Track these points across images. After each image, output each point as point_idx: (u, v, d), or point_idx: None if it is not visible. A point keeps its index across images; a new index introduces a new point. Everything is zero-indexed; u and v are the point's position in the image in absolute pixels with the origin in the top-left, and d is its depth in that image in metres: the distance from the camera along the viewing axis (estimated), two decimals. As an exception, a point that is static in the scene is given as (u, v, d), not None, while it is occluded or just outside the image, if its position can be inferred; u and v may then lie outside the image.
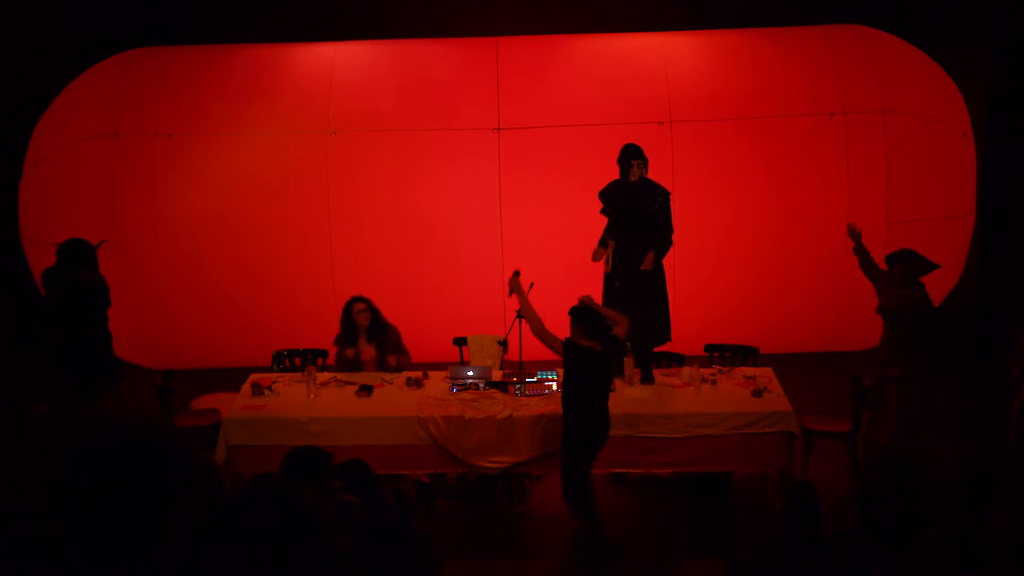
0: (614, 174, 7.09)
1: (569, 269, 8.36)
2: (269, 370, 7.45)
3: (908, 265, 6.77)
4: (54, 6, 9.50)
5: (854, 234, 7.08)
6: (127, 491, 1.72)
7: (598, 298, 7.17)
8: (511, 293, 6.45)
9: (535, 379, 6.95)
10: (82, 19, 9.61)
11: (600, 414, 6.06)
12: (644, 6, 9.53)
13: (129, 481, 1.72)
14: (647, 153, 7.02)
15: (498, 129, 8.45)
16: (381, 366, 7.29)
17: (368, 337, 7.30)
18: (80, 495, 1.70)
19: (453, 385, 6.93)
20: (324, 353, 7.60)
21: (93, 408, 7.29)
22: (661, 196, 6.96)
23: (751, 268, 8.47)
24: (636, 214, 6.92)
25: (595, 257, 7.03)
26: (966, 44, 8.99)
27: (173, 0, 9.86)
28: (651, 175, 7.10)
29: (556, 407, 6.42)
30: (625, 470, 6.70)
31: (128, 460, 1.74)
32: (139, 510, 1.72)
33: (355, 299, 7.27)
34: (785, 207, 8.41)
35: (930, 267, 6.81)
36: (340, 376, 7.15)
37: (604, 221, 7.14)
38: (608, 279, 7.07)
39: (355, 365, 7.29)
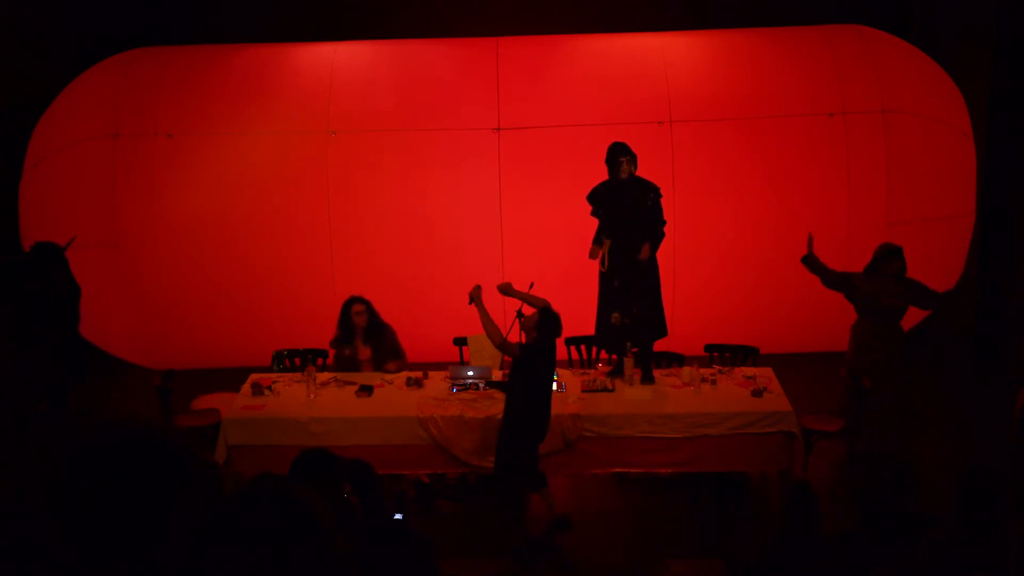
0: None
1: (569, 269, 8.36)
2: (269, 370, 7.45)
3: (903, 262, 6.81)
4: (54, 6, 9.49)
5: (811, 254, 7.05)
6: (127, 491, 1.72)
7: (594, 297, 7.17)
8: (471, 303, 6.46)
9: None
10: (82, 19, 9.60)
11: (548, 403, 6.29)
12: (644, 6, 9.53)
13: (129, 481, 1.72)
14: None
15: (498, 129, 8.45)
16: (378, 367, 7.29)
17: (364, 338, 7.31)
18: (80, 495, 1.71)
19: (453, 385, 6.93)
20: (324, 353, 7.60)
21: (58, 406, 7.45)
22: (653, 192, 6.96)
23: (751, 268, 8.47)
24: (630, 212, 6.92)
25: (592, 255, 7.03)
26: (966, 44, 8.98)
27: (173, 0, 9.85)
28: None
29: (556, 408, 6.43)
30: (625, 470, 6.70)
31: (128, 461, 1.74)
32: (139, 510, 1.72)
33: (353, 299, 7.28)
34: (785, 207, 8.41)
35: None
36: (340, 376, 7.15)
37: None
38: (605, 278, 7.06)
39: (352, 364, 7.30)
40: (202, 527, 1.83)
